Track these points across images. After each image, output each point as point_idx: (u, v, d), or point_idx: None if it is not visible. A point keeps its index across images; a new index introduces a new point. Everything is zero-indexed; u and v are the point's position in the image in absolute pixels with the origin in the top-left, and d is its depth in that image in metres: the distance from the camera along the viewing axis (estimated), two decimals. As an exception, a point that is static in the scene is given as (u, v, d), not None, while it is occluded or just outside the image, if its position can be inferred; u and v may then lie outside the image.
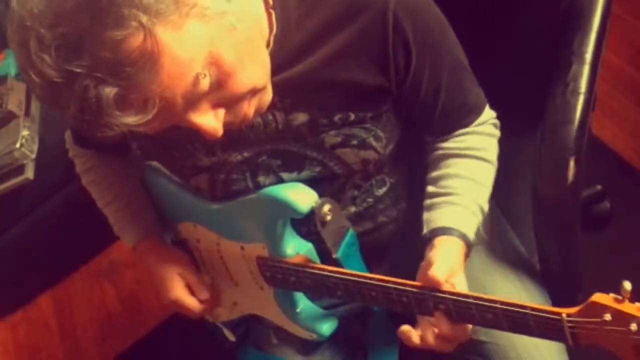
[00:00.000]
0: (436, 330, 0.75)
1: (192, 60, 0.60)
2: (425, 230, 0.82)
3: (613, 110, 1.64)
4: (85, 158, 1.01)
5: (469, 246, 0.80)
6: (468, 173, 0.84)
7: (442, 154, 0.86)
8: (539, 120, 0.87)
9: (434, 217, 0.82)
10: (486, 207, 0.85)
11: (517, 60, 0.99)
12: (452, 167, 0.85)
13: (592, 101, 0.86)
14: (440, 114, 0.83)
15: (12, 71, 1.84)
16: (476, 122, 0.86)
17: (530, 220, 0.91)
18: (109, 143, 0.93)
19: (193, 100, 0.63)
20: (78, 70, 0.57)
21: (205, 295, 0.92)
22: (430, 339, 0.75)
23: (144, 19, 0.57)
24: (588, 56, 0.86)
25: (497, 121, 0.89)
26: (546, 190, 0.85)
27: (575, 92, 0.84)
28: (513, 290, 0.90)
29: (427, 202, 0.84)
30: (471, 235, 0.81)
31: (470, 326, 0.76)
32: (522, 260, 0.96)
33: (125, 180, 1.00)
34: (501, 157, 0.90)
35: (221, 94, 0.65)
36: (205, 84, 0.62)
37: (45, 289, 1.95)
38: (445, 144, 0.86)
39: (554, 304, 0.92)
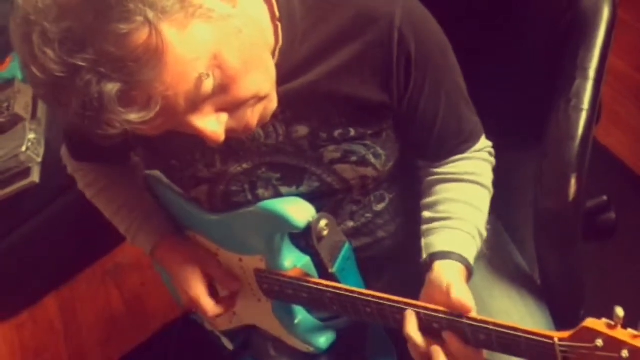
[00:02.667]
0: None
1: (196, 60, 0.60)
2: (424, 256, 0.80)
3: (620, 117, 1.63)
4: (84, 172, 1.00)
5: (470, 271, 0.78)
6: (465, 197, 0.83)
7: (437, 179, 0.85)
8: (541, 135, 0.86)
9: (433, 242, 0.80)
10: (484, 233, 0.83)
11: (520, 74, 0.98)
12: (448, 191, 0.84)
13: (595, 116, 0.86)
14: (436, 139, 0.82)
15: (19, 74, 1.85)
16: (472, 150, 0.85)
17: (532, 235, 0.91)
18: (107, 153, 0.93)
19: (195, 102, 0.63)
20: (81, 63, 0.56)
21: (235, 286, 0.91)
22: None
23: (150, 14, 0.56)
24: (592, 72, 0.85)
25: (492, 150, 0.88)
26: (547, 207, 0.84)
27: (578, 108, 0.83)
28: (513, 305, 0.90)
29: (424, 227, 0.83)
30: (472, 259, 0.79)
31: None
32: (523, 275, 0.95)
33: (129, 187, 0.99)
34: (503, 171, 0.89)
35: (224, 98, 0.65)
36: (208, 86, 0.62)
37: (51, 290, 1.97)
38: (439, 169, 0.85)
39: (555, 320, 0.91)
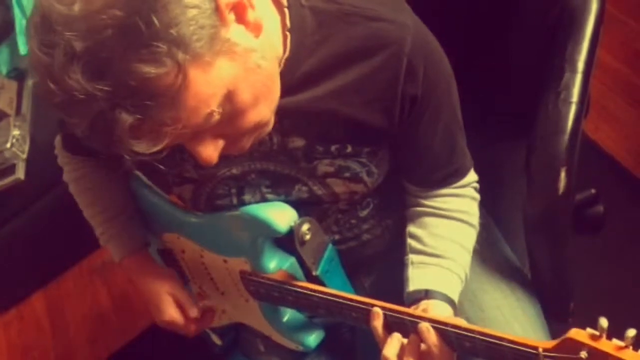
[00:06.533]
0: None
1: (212, 96, 0.59)
2: (410, 288, 0.81)
3: (608, 111, 1.63)
4: (75, 165, 0.98)
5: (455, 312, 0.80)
6: (456, 237, 0.84)
7: (426, 211, 0.85)
8: (531, 128, 0.86)
9: (422, 277, 0.82)
10: (468, 274, 0.85)
11: (510, 67, 0.98)
12: (438, 227, 0.84)
13: (584, 109, 0.85)
14: (426, 166, 0.82)
15: (3, 70, 1.83)
16: (459, 183, 0.85)
17: (522, 228, 0.90)
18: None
19: (199, 132, 0.63)
20: (99, 93, 0.54)
21: (194, 312, 0.91)
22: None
23: (181, 57, 0.55)
24: (580, 64, 0.84)
25: (477, 185, 0.88)
26: (536, 201, 0.84)
27: (567, 102, 0.83)
28: (504, 298, 0.90)
29: (413, 257, 0.84)
30: (457, 301, 0.81)
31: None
32: (514, 269, 0.95)
33: (116, 191, 0.97)
34: (493, 165, 0.89)
35: (226, 127, 0.64)
36: (215, 118, 0.61)
37: (38, 288, 1.94)
38: (428, 202, 0.85)
39: (545, 313, 0.92)
